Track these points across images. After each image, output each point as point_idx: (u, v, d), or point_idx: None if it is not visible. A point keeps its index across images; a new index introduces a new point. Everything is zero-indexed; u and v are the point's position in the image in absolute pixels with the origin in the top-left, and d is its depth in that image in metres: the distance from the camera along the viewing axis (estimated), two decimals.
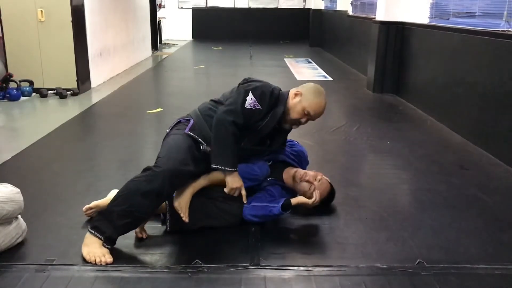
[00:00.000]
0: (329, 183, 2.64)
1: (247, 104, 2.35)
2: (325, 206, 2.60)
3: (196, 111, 2.52)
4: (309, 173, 2.60)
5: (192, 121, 2.44)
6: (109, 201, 2.51)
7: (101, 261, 2.06)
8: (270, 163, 2.67)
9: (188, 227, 2.34)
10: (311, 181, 2.55)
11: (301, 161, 2.82)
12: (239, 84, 2.52)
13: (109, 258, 2.07)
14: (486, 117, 3.85)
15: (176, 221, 2.34)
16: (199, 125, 2.42)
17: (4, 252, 2.14)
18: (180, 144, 2.31)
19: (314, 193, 2.46)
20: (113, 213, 2.13)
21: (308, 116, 2.49)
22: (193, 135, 2.38)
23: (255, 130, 2.45)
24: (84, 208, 2.50)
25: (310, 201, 2.44)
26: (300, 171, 2.62)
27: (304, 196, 2.54)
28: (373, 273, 2.08)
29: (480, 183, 3.16)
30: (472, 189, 3.05)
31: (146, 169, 2.31)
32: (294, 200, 2.43)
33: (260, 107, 2.37)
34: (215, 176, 2.40)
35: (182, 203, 2.29)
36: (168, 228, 2.36)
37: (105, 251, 2.09)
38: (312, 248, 2.32)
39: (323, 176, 2.62)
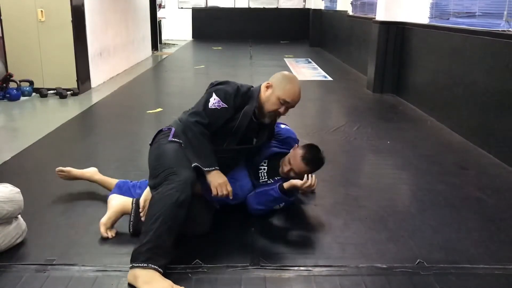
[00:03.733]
0: (305, 147, 2.55)
1: (210, 105, 2.36)
2: (312, 167, 2.50)
3: (176, 121, 2.51)
4: (284, 162, 2.56)
5: (173, 129, 2.43)
6: (82, 174, 2.78)
7: None
8: (266, 163, 2.65)
9: None
10: (288, 169, 2.51)
11: (292, 146, 2.72)
12: (207, 89, 2.51)
13: None
14: (486, 117, 3.85)
15: (138, 223, 2.31)
16: (179, 132, 2.40)
17: (4, 252, 2.14)
18: (178, 153, 2.30)
19: (305, 176, 2.40)
20: (161, 237, 1.99)
21: (286, 104, 2.45)
22: (177, 140, 2.37)
23: (230, 131, 2.43)
24: (57, 169, 2.77)
25: (299, 183, 2.38)
26: (281, 169, 2.58)
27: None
28: (373, 273, 2.07)
29: (480, 183, 3.16)
30: (472, 189, 3.05)
31: (162, 184, 2.14)
32: (286, 185, 2.42)
33: (226, 106, 2.37)
34: None
35: (148, 202, 2.23)
36: (130, 230, 2.32)
37: (169, 282, 1.92)
38: (312, 248, 2.32)
39: (296, 148, 2.57)
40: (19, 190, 2.23)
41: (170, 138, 2.39)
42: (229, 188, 2.31)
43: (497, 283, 2.03)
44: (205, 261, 2.11)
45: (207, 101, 2.37)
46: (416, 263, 2.15)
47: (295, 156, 2.52)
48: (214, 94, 2.38)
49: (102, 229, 2.31)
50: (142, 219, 2.25)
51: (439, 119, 4.76)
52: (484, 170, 3.44)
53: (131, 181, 2.68)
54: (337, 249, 2.28)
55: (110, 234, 2.31)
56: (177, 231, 2.08)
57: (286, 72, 2.55)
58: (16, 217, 2.22)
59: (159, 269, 1.95)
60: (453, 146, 4.02)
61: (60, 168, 2.79)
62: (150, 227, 2.00)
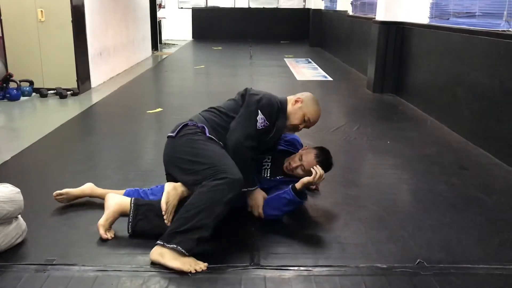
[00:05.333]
0: (318, 148, 2.63)
1: (259, 125, 2.43)
2: (325, 169, 2.55)
3: (201, 118, 2.50)
4: (293, 159, 2.61)
5: (206, 129, 2.42)
6: (82, 191, 2.65)
7: (200, 267, 2.06)
8: (270, 159, 2.68)
9: (151, 232, 2.26)
10: (297, 165, 2.57)
11: (297, 147, 2.84)
12: (241, 94, 2.55)
13: (202, 263, 2.08)
14: (486, 117, 3.85)
15: (137, 223, 2.31)
16: (211, 131, 2.42)
17: (4, 252, 2.14)
18: (221, 151, 2.34)
19: (312, 169, 2.43)
20: (200, 229, 2.08)
21: (307, 123, 2.60)
22: (215, 138, 2.39)
23: (261, 143, 2.51)
24: (54, 193, 2.61)
25: (311, 178, 2.41)
26: (286, 164, 2.64)
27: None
28: (373, 273, 2.08)
29: (480, 183, 3.16)
30: (472, 189, 3.05)
31: (211, 178, 2.18)
32: (298, 185, 2.43)
33: (269, 124, 2.46)
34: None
35: (170, 204, 2.26)
36: (129, 231, 2.32)
37: (193, 258, 2.08)
38: (312, 248, 2.32)
39: (307, 148, 2.66)
40: (19, 190, 2.23)
41: (208, 134, 2.40)
42: (260, 211, 2.49)
43: (497, 283, 2.03)
44: (205, 261, 2.10)
45: (256, 121, 2.43)
46: (416, 263, 2.15)
47: (308, 153, 2.59)
48: (260, 113, 2.44)
49: (101, 231, 2.30)
50: (166, 221, 2.22)
51: (439, 119, 4.76)
52: (484, 170, 3.44)
53: (141, 189, 2.61)
54: (337, 249, 2.28)
55: (109, 235, 2.31)
56: (214, 226, 2.15)
57: (313, 95, 2.67)
58: (16, 217, 2.22)
59: (186, 254, 2.06)
60: (453, 146, 4.02)
61: (58, 192, 2.62)
62: (192, 216, 2.09)
